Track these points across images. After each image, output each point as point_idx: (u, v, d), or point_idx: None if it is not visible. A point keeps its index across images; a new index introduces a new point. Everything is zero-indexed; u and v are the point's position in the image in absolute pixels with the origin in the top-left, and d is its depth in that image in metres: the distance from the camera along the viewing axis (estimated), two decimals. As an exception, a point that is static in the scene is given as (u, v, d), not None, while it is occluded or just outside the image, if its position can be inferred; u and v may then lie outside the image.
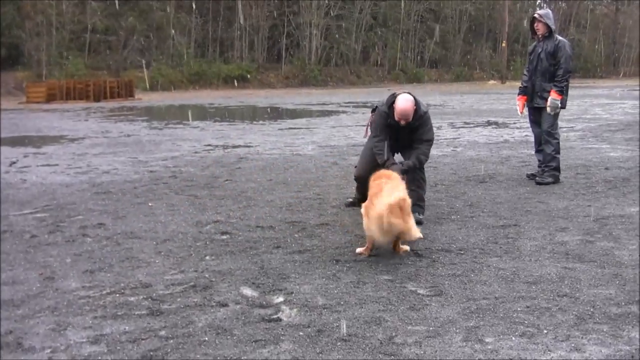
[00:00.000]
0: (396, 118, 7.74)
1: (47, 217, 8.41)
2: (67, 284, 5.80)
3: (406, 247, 6.66)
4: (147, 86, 52.81)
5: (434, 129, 8.41)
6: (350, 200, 8.89)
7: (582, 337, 4.57)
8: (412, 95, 7.83)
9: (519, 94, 10.88)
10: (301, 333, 4.70)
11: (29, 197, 9.82)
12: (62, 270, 6.20)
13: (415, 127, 7.88)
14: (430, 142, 8.02)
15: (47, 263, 6.44)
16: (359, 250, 6.63)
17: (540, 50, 10.42)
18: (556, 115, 10.45)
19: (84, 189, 10.42)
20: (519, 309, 5.08)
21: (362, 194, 8.04)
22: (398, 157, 8.15)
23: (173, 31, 59.12)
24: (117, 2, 54.13)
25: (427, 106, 8.14)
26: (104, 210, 8.80)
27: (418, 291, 5.51)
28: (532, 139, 11.34)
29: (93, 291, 5.60)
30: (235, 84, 58.90)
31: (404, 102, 7.69)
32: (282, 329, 4.77)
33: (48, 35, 51.97)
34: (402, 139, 8.06)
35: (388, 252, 6.57)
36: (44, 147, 16.52)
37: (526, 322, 4.83)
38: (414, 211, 6.74)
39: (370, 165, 8.10)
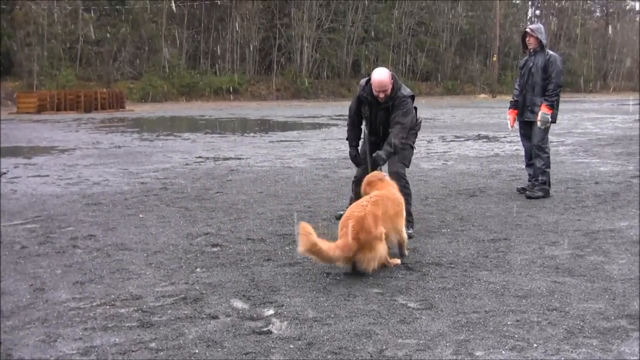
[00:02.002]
0: (374, 92, 7.81)
1: (38, 228, 8.39)
2: (58, 295, 5.79)
3: (397, 261, 6.69)
4: (138, 97, 52.80)
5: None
6: (341, 213, 8.79)
7: (571, 351, 4.58)
8: (388, 70, 7.91)
9: (509, 108, 10.93)
10: (291, 346, 4.70)
11: (19, 207, 9.79)
12: (52, 282, 6.19)
13: (393, 106, 7.88)
14: (403, 125, 7.86)
15: (37, 274, 6.42)
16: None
17: (531, 65, 10.46)
18: (546, 130, 10.49)
19: (75, 200, 10.40)
20: (509, 322, 5.10)
21: (356, 195, 8.19)
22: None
23: (164, 43, 59.13)
24: (110, 7, 54.08)
25: (411, 93, 8.09)
26: (95, 222, 8.79)
27: (408, 304, 5.52)
28: (523, 152, 11.37)
29: (83, 303, 5.59)
30: (226, 95, 58.91)
31: (379, 73, 7.77)
32: (273, 341, 4.77)
33: (39, 45, 51.90)
34: (380, 120, 8.06)
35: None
36: (35, 157, 16.48)
37: (516, 335, 4.84)
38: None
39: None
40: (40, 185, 11.95)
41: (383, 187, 7.03)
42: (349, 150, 8.55)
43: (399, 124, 7.82)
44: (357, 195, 8.10)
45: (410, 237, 7.40)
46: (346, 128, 8.64)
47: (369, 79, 7.92)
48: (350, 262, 6.29)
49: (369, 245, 6.18)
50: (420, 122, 8.49)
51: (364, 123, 8.34)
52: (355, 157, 8.45)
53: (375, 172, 7.44)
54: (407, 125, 7.95)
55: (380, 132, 8.12)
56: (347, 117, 8.67)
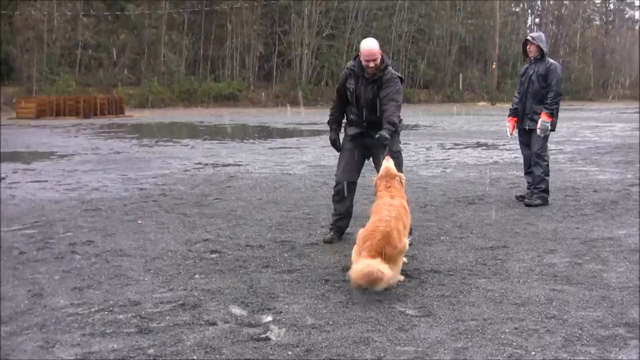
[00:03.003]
0: (363, 61, 7.55)
1: (36, 234, 8.39)
2: (56, 301, 5.78)
3: (400, 277, 6.51)
4: (138, 103, 52.83)
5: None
6: (329, 236, 8.16)
7: (569, 359, 4.58)
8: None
9: (509, 116, 10.94)
10: (290, 352, 4.70)
11: (18, 213, 9.79)
12: (50, 287, 6.19)
13: (380, 83, 7.59)
14: (398, 103, 7.59)
15: (36, 280, 6.42)
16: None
17: (531, 73, 10.48)
18: (546, 138, 10.50)
19: (73, 206, 10.40)
20: (507, 330, 5.10)
21: (341, 212, 8.09)
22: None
23: (164, 49, 59.19)
24: (109, 13, 54.17)
25: (398, 74, 7.79)
26: (93, 228, 8.79)
27: (407, 312, 5.52)
28: (522, 160, 11.38)
29: (81, 308, 5.59)
30: (226, 102, 58.94)
31: (369, 42, 7.61)
32: (271, 348, 4.77)
33: (39, 51, 51.96)
34: (366, 96, 7.69)
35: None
36: (34, 163, 16.49)
37: (514, 343, 4.84)
38: None
39: (351, 166, 8.08)
40: (39, 190, 11.95)
41: (397, 193, 6.80)
42: (330, 134, 8.26)
43: (393, 101, 7.56)
44: (339, 215, 8.14)
45: (410, 244, 7.35)
46: (329, 112, 8.33)
47: (358, 55, 7.69)
48: None
49: (394, 260, 5.94)
50: (402, 121, 8.05)
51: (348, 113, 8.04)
52: (334, 142, 8.18)
53: (391, 169, 7.04)
54: (400, 104, 7.68)
55: (365, 111, 7.78)
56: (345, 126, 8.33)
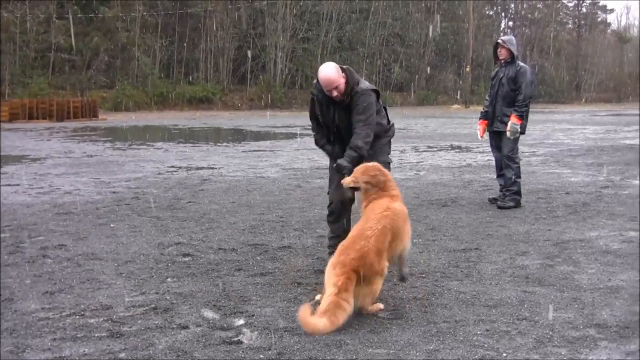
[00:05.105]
0: (325, 91, 6.68)
1: (7, 238, 8.33)
2: (27, 306, 5.74)
3: (379, 305, 5.75)
4: (111, 106, 52.61)
5: (392, 146, 7.38)
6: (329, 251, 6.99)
7: (540, 361, 4.61)
8: (336, 64, 6.74)
9: (480, 119, 11.02)
10: (262, 356, 4.69)
11: (-11, 217, 9.72)
12: (21, 292, 6.14)
13: (350, 107, 6.72)
14: (365, 122, 6.70)
15: (6, 284, 6.37)
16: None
17: (502, 75, 10.54)
18: (516, 140, 10.56)
19: (46, 210, 10.34)
20: (478, 332, 5.12)
21: (338, 233, 6.98)
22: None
23: (138, 52, 58.97)
24: (83, 15, 53.88)
25: (373, 86, 6.91)
26: (65, 231, 8.74)
27: (379, 314, 5.52)
28: (494, 163, 11.42)
29: (53, 313, 5.55)
30: (200, 105, 58.85)
31: (325, 69, 6.67)
32: (243, 351, 4.76)
33: (11, 53, 51.60)
34: (340, 122, 6.87)
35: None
36: (5, 166, 16.37)
37: (486, 345, 4.86)
38: None
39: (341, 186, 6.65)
40: (10, 194, 11.86)
41: (384, 196, 5.97)
42: (325, 147, 7.22)
43: (360, 122, 6.68)
44: (336, 238, 6.79)
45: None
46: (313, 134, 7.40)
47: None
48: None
49: (367, 280, 5.40)
50: (393, 125, 7.33)
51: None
52: (332, 153, 7.12)
53: (373, 165, 6.17)
54: (371, 121, 6.74)
55: (342, 135, 6.93)
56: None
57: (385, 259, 5.59)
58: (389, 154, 7.25)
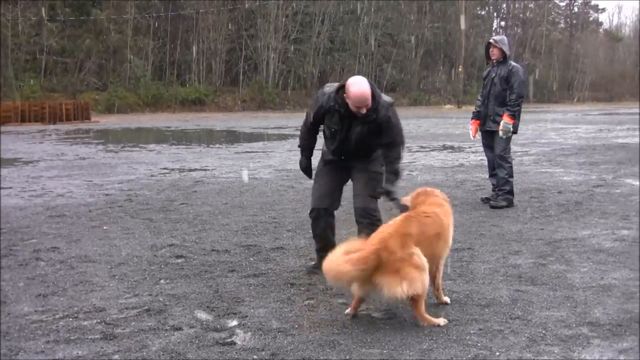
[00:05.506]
0: (354, 107, 6.21)
1: (0, 241, 8.31)
2: (20, 308, 5.73)
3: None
4: (104, 109, 52.52)
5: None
6: (312, 265, 6.95)
7: (533, 359, 4.61)
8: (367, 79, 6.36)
9: (472, 118, 11.04)
10: (255, 357, 4.69)
11: (-18, 220, 9.70)
12: (14, 294, 6.13)
13: (375, 124, 6.36)
14: (400, 144, 6.51)
15: (-1, 287, 6.37)
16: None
17: (494, 75, 10.56)
18: (508, 139, 10.58)
19: (38, 212, 10.32)
20: (471, 331, 5.12)
21: (321, 246, 6.69)
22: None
23: (130, 54, 58.89)
24: (75, 18, 53.77)
25: (391, 99, 6.60)
26: (58, 234, 8.73)
27: (372, 314, 5.53)
28: (487, 163, 11.44)
29: (46, 315, 5.55)
30: (192, 107, 58.80)
31: (360, 86, 6.18)
32: (236, 352, 4.77)
33: (3, 56, 51.46)
34: (356, 137, 6.46)
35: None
36: (-2, 169, 16.34)
37: (479, 344, 4.87)
38: None
39: (326, 190, 6.76)
40: (3, 197, 11.83)
41: (427, 202, 5.98)
42: (300, 159, 7.05)
43: (393, 145, 6.43)
44: (321, 251, 6.42)
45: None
46: (299, 135, 7.19)
47: (340, 87, 6.36)
48: (366, 289, 5.28)
49: (392, 267, 5.08)
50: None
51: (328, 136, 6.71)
52: (307, 169, 6.98)
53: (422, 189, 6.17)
54: (401, 141, 6.51)
55: (350, 148, 6.57)
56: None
57: (413, 246, 5.23)
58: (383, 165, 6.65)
